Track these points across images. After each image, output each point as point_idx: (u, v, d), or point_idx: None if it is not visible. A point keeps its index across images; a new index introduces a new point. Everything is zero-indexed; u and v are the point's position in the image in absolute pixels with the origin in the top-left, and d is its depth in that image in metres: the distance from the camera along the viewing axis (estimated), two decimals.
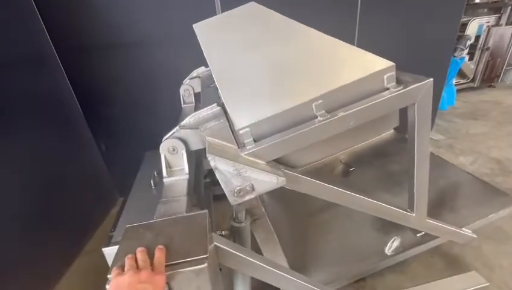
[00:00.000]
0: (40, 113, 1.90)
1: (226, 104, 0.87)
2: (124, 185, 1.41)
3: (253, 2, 1.18)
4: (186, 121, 0.87)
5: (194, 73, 1.66)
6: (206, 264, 0.60)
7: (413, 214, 1.18)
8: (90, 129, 2.36)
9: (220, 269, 0.83)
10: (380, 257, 1.45)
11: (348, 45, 0.93)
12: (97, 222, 2.35)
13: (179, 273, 0.60)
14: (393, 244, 1.48)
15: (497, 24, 4.63)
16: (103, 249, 0.86)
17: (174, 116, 1.37)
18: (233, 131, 0.86)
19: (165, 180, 0.83)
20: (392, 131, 2.21)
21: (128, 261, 0.59)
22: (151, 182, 1.21)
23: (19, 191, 1.65)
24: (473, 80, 4.69)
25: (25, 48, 1.86)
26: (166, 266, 0.60)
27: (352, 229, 1.62)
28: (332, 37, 0.95)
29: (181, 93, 1.57)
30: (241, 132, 0.84)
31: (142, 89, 2.29)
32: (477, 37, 4.46)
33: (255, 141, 0.85)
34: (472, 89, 4.67)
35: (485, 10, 4.71)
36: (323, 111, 0.86)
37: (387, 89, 0.88)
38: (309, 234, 1.63)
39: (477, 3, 4.57)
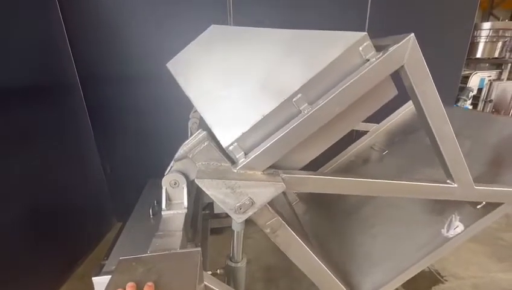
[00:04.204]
0: (56, 133, 2.05)
1: (210, 126, 0.88)
2: (123, 210, 1.42)
3: (213, 25, 1.21)
4: (178, 153, 0.90)
5: None
6: None
7: (455, 185, 1.03)
8: (99, 152, 2.50)
9: None
10: (438, 240, 1.28)
11: (314, 31, 0.89)
12: (91, 246, 2.34)
13: None
14: (451, 224, 1.30)
15: (499, 78, 4.86)
16: (93, 278, 0.88)
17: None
18: (223, 150, 0.86)
19: (163, 213, 0.84)
20: None
21: None
22: (150, 211, 1.22)
23: (19, 205, 1.67)
24: None
25: (53, 74, 2.09)
26: None
27: (399, 217, 1.46)
28: (297, 30, 0.93)
29: (189, 126, 1.64)
30: (230, 148, 0.84)
31: (151, 120, 2.46)
32: (480, 89, 4.75)
33: (245, 154, 0.84)
34: None
35: (487, 65, 5.03)
36: (306, 104, 0.82)
37: (368, 60, 0.82)
38: (353, 233, 1.51)
39: (478, 58, 4.84)
